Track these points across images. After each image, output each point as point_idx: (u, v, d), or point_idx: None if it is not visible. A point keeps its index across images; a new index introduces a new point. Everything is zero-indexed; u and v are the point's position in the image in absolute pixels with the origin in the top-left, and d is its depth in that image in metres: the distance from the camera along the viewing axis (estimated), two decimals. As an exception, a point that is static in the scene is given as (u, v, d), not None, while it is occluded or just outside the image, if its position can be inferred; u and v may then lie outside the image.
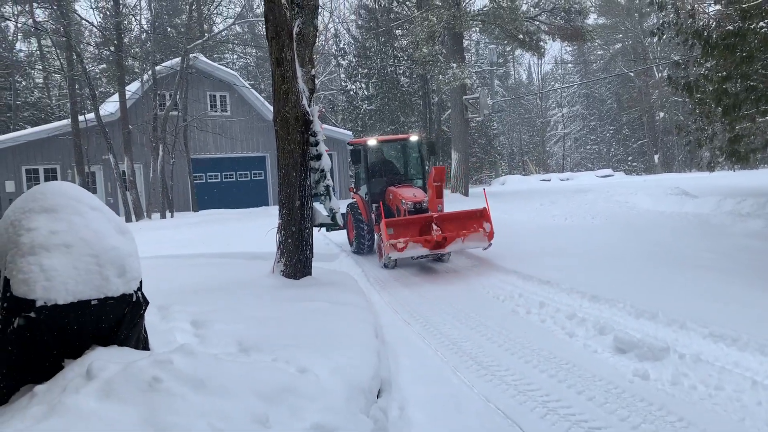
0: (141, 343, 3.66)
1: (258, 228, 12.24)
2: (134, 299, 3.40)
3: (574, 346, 5.50)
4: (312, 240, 7.81)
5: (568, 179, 36.11)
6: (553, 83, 56.59)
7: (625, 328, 5.69)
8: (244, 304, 5.92)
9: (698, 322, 5.50)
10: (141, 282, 3.53)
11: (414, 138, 12.58)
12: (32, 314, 3.02)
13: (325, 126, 25.69)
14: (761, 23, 9.46)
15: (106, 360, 3.00)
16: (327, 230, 11.00)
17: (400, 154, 13.51)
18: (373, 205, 11.30)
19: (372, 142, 12.38)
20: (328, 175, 8.06)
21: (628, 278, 7.53)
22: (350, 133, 29.87)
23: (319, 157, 7.86)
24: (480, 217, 9.89)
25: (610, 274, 7.87)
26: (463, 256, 10.57)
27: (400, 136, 14.09)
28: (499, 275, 8.81)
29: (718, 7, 13.95)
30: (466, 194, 22.65)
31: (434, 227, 9.39)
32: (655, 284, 7.08)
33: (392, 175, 12.45)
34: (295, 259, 7.50)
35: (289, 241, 7.50)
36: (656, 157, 42.91)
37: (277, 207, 8.01)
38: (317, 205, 8.08)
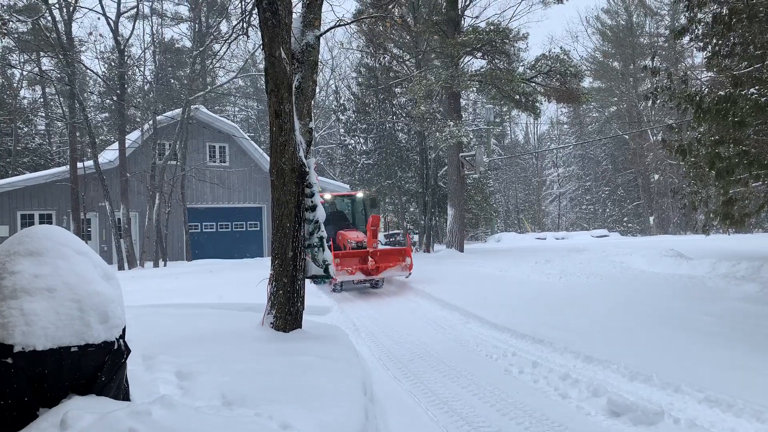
0: (121, 393, 3.55)
1: (251, 279, 12.18)
2: (116, 347, 3.31)
3: (567, 407, 5.38)
4: (304, 292, 7.71)
5: (563, 238, 36.17)
6: (549, 143, 57.35)
7: (619, 390, 5.59)
8: (231, 356, 5.78)
9: (693, 386, 5.40)
10: (124, 329, 3.45)
11: (360, 195, 17.01)
12: (9, 360, 2.93)
13: (321, 178, 25.92)
14: (752, 89, 9.64)
15: (83, 409, 2.90)
16: (317, 282, 12.87)
17: (349, 206, 17.31)
18: (326, 243, 13.94)
19: (327, 196, 15.77)
20: (323, 227, 8.04)
21: (622, 339, 7.43)
22: (347, 186, 30.06)
23: (314, 208, 7.85)
24: (403, 253, 13.75)
25: (604, 334, 7.77)
26: (456, 312, 10.46)
27: (350, 192, 19.21)
28: (493, 333, 8.70)
29: (710, 73, 14.27)
30: (461, 250, 22.38)
31: (370, 259, 12.97)
32: (650, 346, 6.98)
33: (342, 222, 15.98)
34: (286, 311, 7.37)
35: (281, 292, 7.39)
36: (651, 218, 43.09)
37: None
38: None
